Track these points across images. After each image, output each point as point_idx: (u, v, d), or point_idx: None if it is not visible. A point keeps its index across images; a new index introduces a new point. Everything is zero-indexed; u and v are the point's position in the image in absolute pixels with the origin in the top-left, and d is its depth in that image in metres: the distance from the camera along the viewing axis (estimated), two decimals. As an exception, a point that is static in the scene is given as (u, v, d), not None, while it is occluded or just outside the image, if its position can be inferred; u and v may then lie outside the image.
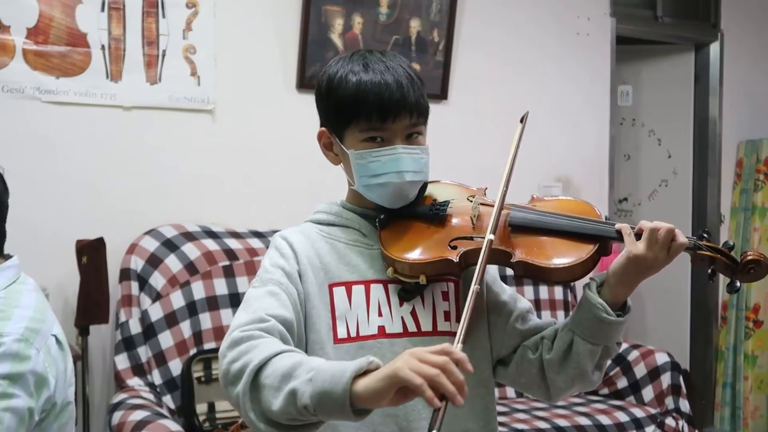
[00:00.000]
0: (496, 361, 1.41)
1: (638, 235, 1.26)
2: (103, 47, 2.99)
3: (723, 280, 1.36)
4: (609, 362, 1.37)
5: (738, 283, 1.28)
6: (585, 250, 1.27)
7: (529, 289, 3.61)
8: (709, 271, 1.28)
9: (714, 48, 4.55)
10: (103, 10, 2.98)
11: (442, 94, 3.65)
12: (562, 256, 1.27)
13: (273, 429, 1.09)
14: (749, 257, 1.26)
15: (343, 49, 3.34)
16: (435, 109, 4.41)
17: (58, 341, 1.61)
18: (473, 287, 1.13)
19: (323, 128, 1.38)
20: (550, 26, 3.97)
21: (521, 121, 1.41)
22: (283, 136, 3.29)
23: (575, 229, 1.30)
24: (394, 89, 1.28)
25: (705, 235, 1.30)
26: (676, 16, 4.48)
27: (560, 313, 3.65)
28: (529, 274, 1.29)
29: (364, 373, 1.02)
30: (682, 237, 1.25)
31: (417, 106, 1.31)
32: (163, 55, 3.09)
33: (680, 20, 4.50)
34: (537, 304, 3.61)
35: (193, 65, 3.15)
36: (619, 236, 1.27)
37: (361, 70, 1.30)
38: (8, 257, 1.65)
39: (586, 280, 1.32)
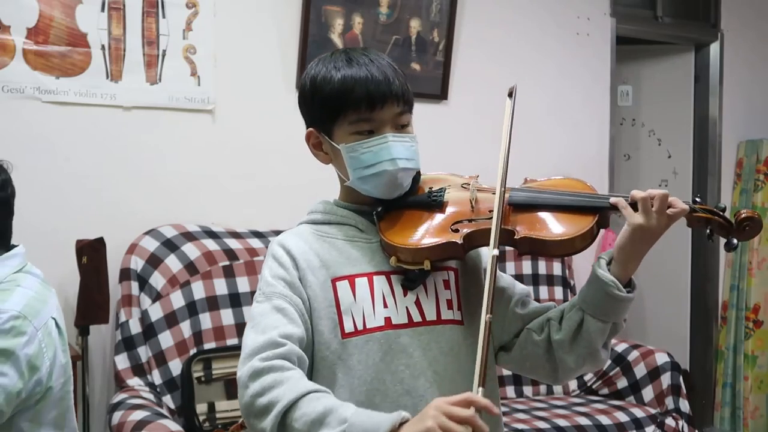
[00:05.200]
0: (499, 347, 1.42)
1: (634, 206, 1.27)
2: (103, 47, 2.99)
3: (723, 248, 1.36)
4: (613, 340, 1.38)
5: (735, 241, 1.30)
6: (585, 222, 1.29)
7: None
8: (707, 231, 1.31)
9: (714, 48, 4.55)
10: (103, 10, 2.98)
11: (442, 94, 3.65)
12: (565, 229, 1.29)
13: None
14: (743, 215, 1.29)
15: (343, 50, 3.34)
16: (435, 109, 4.36)
17: (57, 326, 1.63)
18: (485, 317, 1.15)
19: (310, 129, 1.38)
20: (549, 26, 3.97)
21: (510, 95, 1.42)
22: (283, 135, 3.28)
23: (574, 203, 1.31)
24: (380, 79, 1.30)
25: (698, 200, 1.32)
26: (676, 16, 4.48)
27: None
28: (533, 249, 1.30)
29: (398, 426, 1.05)
30: (681, 203, 1.27)
31: (403, 94, 1.32)
32: (163, 55, 3.09)
33: (680, 20, 4.50)
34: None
35: (193, 65, 3.15)
36: (615, 208, 1.29)
37: (344, 65, 1.31)
38: (12, 247, 1.68)
39: (588, 257, 1.33)
